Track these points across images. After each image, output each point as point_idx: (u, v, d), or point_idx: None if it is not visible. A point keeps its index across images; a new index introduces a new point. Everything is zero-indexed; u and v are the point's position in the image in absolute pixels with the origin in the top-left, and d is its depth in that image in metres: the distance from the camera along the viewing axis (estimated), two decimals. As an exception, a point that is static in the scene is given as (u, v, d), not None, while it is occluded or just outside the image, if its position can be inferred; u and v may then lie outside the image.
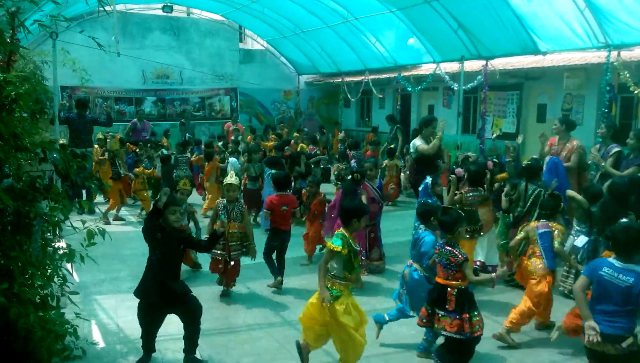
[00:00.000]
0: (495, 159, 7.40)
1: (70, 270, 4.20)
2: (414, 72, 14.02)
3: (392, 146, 11.87)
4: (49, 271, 3.96)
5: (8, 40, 4.06)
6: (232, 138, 12.97)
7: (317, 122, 19.17)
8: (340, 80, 16.66)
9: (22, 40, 12.02)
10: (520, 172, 6.50)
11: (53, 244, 4.14)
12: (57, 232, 4.08)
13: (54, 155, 4.02)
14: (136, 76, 16.58)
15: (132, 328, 4.86)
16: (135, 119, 13.72)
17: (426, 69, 13.51)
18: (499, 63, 11.30)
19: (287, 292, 5.90)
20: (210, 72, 17.47)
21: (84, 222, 4.35)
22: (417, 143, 7.64)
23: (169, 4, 15.85)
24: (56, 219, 4.06)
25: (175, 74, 17.08)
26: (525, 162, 6.51)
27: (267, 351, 4.46)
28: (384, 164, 10.90)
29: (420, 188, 6.18)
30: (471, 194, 5.77)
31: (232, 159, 10.21)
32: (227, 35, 17.94)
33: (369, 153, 12.09)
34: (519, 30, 9.89)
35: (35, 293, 3.58)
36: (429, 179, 6.07)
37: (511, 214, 6.19)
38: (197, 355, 4.25)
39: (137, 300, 5.45)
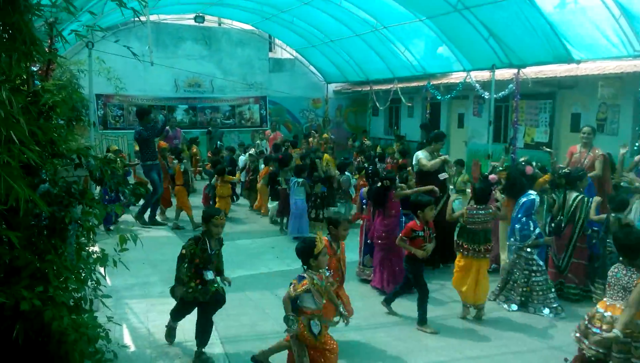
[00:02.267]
0: (534, 163, 7.31)
1: (103, 274, 4.29)
2: (444, 80, 13.92)
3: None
4: (83, 275, 4.04)
5: (46, 49, 4.19)
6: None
7: (345, 131, 19.20)
8: (368, 88, 16.65)
9: (60, 50, 12.41)
10: (556, 182, 6.37)
11: (87, 248, 4.23)
12: (91, 237, 4.17)
13: (90, 161, 4.12)
14: (169, 85, 16.90)
15: (162, 332, 4.94)
16: (167, 127, 13.95)
17: (456, 77, 13.40)
18: (531, 72, 11.12)
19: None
20: (240, 81, 17.69)
21: (117, 228, 4.46)
22: (420, 155, 7.31)
23: (200, 15, 16.14)
24: (90, 224, 4.16)
25: (207, 82, 17.35)
26: (564, 170, 6.40)
27: (294, 359, 4.46)
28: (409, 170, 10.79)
29: (522, 202, 5.82)
30: (475, 211, 5.51)
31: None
32: (257, 45, 18.16)
33: (388, 166, 11.64)
34: (551, 39, 9.72)
35: (69, 296, 3.66)
36: (535, 196, 5.81)
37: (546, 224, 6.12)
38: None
39: (167, 305, 5.54)
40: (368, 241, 6.67)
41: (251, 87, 17.98)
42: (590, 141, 7.54)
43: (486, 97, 11.71)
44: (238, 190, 12.09)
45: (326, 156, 11.49)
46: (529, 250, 5.63)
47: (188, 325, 5.10)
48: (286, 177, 9.15)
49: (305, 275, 3.99)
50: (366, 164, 10.54)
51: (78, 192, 4.03)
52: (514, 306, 5.68)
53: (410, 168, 9.18)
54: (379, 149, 14.83)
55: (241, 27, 17.60)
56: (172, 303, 5.66)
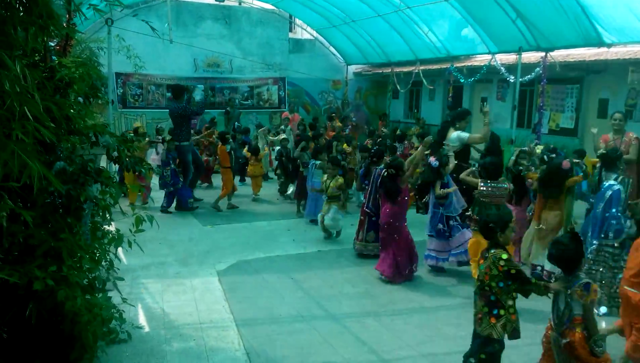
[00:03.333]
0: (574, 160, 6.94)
1: (119, 255, 4.24)
2: (467, 63, 13.56)
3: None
4: (97, 255, 4.00)
5: (64, 24, 4.10)
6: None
7: (365, 113, 18.95)
8: (389, 70, 16.35)
9: (79, 27, 12.34)
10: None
11: (102, 228, 4.18)
12: (107, 216, 4.11)
13: (107, 139, 4.05)
14: (188, 64, 16.80)
15: (177, 313, 4.90)
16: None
17: (480, 60, 13.05)
18: (559, 55, 10.76)
19: (333, 285, 5.80)
20: (259, 62, 17.51)
21: (133, 208, 4.40)
22: (463, 134, 7.14)
23: (221, -7, 15.97)
24: (106, 202, 4.11)
25: (226, 62, 17.20)
26: (600, 151, 6.14)
27: (310, 345, 4.38)
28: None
29: (609, 195, 5.21)
30: (488, 185, 5.32)
31: None
32: (277, 25, 17.91)
33: (406, 149, 11.39)
34: (582, 21, 9.36)
35: (83, 276, 3.61)
36: (618, 186, 5.23)
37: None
38: None
39: (182, 285, 5.50)
40: (373, 219, 6.64)
41: (270, 68, 17.78)
42: (622, 128, 7.34)
43: (511, 80, 11.39)
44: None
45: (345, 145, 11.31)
46: (616, 245, 5.17)
47: (202, 307, 5.06)
48: (303, 160, 9.03)
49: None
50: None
51: (94, 170, 3.96)
52: (604, 309, 5.15)
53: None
54: (398, 131, 14.58)
55: (261, 6, 17.36)
56: (186, 284, 5.65)
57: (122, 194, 5.85)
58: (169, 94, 16.65)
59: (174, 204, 9.12)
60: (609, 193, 5.15)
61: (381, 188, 6.22)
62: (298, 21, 18.44)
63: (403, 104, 18.51)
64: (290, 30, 18.65)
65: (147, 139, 10.31)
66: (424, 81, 14.59)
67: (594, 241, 5.19)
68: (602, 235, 5.17)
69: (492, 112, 14.62)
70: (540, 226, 5.90)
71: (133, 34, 12.03)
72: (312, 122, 13.82)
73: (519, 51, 10.61)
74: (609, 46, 9.56)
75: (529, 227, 6.30)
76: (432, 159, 6.12)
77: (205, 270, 6.15)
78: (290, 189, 10.18)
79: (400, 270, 5.85)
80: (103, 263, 4.09)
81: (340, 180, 7.55)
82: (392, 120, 17.78)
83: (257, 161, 10.22)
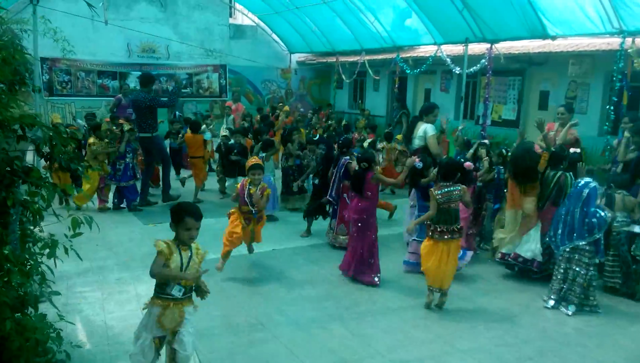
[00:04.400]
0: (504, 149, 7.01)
1: (53, 264, 3.69)
2: (413, 53, 13.51)
3: (390, 130, 11.46)
4: (28, 266, 3.44)
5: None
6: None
7: (309, 104, 18.61)
8: (334, 60, 16.07)
9: (1, 5, 11.16)
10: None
11: (33, 235, 3.62)
12: (37, 221, 3.55)
13: (36, 132, 3.47)
14: (121, 50, 15.80)
15: (121, 326, 4.40)
16: (120, 95, 13.04)
17: (425, 51, 13.01)
18: (503, 47, 10.85)
19: (292, 287, 5.45)
20: (198, 48, 16.75)
21: (68, 209, 3.84)
22: (430, 132, 7.16)
23: (156, -26, 15.07)
24: (37, 206, 3.55)
25: (162, 48, 16.32)
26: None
27: (274, 357, 4.00)
28: (382, 146, 10.44)
29: (587, 193, 5.04)
30: (443, 190, 5.03)
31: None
32: (217, 9, 17.18)
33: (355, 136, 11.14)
34: (528, 13, 9.44)
35: (12, 294, 3.07)
36: (594, 183, 5.08)
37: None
38: None
39: (126, 293, 4.98)
40: (335, 207, 6.75)
41: (210, 54, 17.06)
42: (566, 121, 7.41)
43: (457, 72, 11.40)
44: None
45: (302, 130, 10.98)
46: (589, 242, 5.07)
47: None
48: (307, 159, 8.59)
49: None
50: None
51: (21, 169, 3.40)
52: (572, 308, 5.02)
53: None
54: (344, 121, 14.36)
55: (199, -11, 16.60)
56: (130, 291, 5.13)
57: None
58: (100, 81, 15.64)
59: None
60: (586, 191, 5.03)
61: (347, 180, 5.95)
62: (239, 6, 17.78)
63: (347, 95, 18.32)
64: (231, 16, 17.97)
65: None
66: (369, 71, 14.43)
67: (567, 242, 5.11)
68: (580, 241, 5.04)
69: (437, 103, 14.76)
70: (519, 211, 5.84)
71: (61, 15, 11.08)
72: (266, 114, 13.36)
73: (466, 42, 10.63)
74: (553, 38, 9.71)
75: (498, 215, 6.31)
76: (416, 160, 5.88)
77: (151, 274, 5.62)
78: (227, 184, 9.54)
79: (364, 267, 5.60)
80: (35, 276, 3.54)
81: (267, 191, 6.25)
82: (337, 111, 17.55)
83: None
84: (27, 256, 3.49)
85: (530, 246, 5.73)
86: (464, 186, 5.16)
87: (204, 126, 10.20)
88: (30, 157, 6.35)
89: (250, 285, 5.47)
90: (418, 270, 5.52)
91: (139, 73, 15.98)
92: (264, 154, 8.08)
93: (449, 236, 4.94)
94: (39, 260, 3.59)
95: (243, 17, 18.17)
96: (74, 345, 3.87)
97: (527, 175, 5.71)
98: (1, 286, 3.04)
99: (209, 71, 17.23)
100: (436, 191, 5.01)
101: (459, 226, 5.03)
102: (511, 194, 5.94)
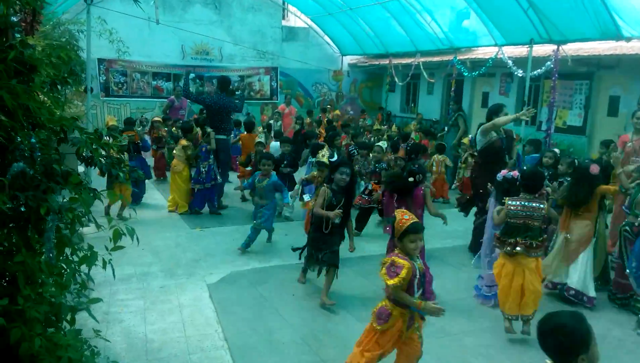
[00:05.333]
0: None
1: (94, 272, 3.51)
2: (471, 55, 12.93)
3: (442, 133, 10.98)
4: (65, 277, 3.26)
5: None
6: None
7: (359, 107, 18.24)
8: (387, 62, 15.64)
9: (59, 7, 11.34)
10: None
11: (71, 243, 3.44)
12: (77, 229, 3.37)
13: (76, 135, 3.30)
14: (175, 51, 15.93)
15: (162, 340, 4.19)
16: (172, 96, 13.11)
17: (484, 52, 12.41)
18: (570, 49, 10.15)
19: (340, 303, 5.11)
20: (251, 50, 16.70)
21: (109, 219, 3.63)
22: (485, 125, 6.30)
23: (211, -24, 15.12)
24: (76, 212, 3.37)
25: (215, 50, 16.36)
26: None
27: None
28: (433, 159, 9.93)
29: None
30: (520, 203, 4.55)
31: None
32: (270, 11, 17.09)
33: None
34: (600, 12, 8.74)
35: (44, 307, 2.88)
36: None
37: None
38: None
39: (168, 303, 4.79)
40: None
41: (262, 57, 16.98)
42: None
43: (519, 75, 10.76)
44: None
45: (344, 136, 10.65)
46: None
47: (192, 331, 4.36)
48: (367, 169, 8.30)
49: None
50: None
51: (61, 173, 3.22)
52: None
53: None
54: (394, 129, 13.84)
55: (253, -9, 16.57)
56: (173, 301, 4.93)
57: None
58: (154, 83, 15.81)
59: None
60: None
61: (396, 191, 5.57)
62: (292, 8, 17.63)
63: (400, 98, 17.83)
64: (284, 18, 17.85)
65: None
66: (424, 73, 13.92)
67: None
68: None
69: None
70: (567, 235, 5.29)
71: (117, 16, 11.19)
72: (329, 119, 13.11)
73: (530, 43, 9.99)
74: (628, 39, 8.96)
75: (555, 239, 5.69)
76: (513, 172, 5.30)
77: (195, 283, 5.42)
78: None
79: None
80: (72, 286, 3.36)
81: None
82: (388, 113, 17.10)
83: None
84: (63, 266, 3.31)
85: (580, 276, 5.12)
86: (547, 205, 4.67)
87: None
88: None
89: (296, 299, 5.17)
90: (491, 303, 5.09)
91: (192, 75, 16.21)
92: (313, 160, 7.79)
93: (525, 251, 4.44)
94: (77, 268, 3.41)
95: (295, 19, 18.02)
96: (110, 361, 3.67)
97: (581, 201, 5.15)
98: (32, 301, 2.85)
99: (261, 74, 17.16)
100: (511, 202, 4.56)
101: (540, 240, 4.52)
102: (564, 215, 5.38)
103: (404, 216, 3.42)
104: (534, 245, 4.46)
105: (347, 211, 5.12)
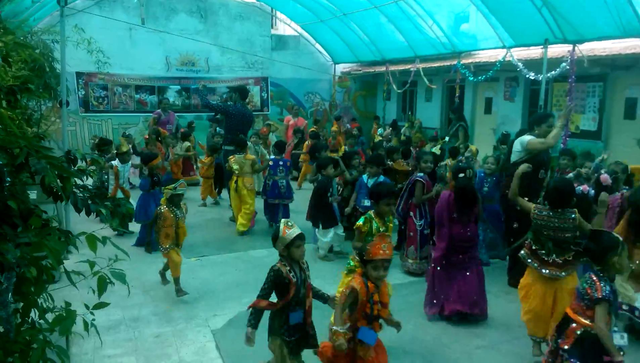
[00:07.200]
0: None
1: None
2: (474, 59, 12.22)
3: (455, 145, 10.27)
4: (31, 353, 2.39)
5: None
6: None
7: (354, 116, 17.50)
8: (384, 69, 14.92)
9: (34, 15, 10.32)
10: None
11: (39, 304, 2.58)
12: (45, 286, 2.51)
13: (40, 162, 2.44)
14: (159, 63, 15.05)
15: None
16: (159, 110, 12.25)
17: (489, 55, 11.72)
18: (584, 49, 9.51)
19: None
20: (239, 60, 15.89)
21: (91, 265, 2.74)
22: (527, 138, 5.72)
23: (196, -16, 14.31)
24: (45, 264, 2.51)
25: (202, 61, 15.52)
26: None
27: None
28: (446, 163, 9.19)
29: None
30: (545, 213, 4.05)
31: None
32: (258, 20, 16.30)
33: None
34: (622, 7, 8.09)
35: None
36: None
37: None
38: None
39: (166, 358, 3.92)
40: (425, 232, 6.10)
41: (251, 67, 16.19)
42: None
43: (531, 78, 10.09)
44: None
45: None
46: None
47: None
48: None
49: None
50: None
51: (20, 212, 2.37)
52: None
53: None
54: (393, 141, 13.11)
55: (241, -1, 15.80)
56: (172, 355, 4.05)
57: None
58: (137, 96, 14.90)
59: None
60: None
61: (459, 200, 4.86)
62: (281, 15, 16.88)
63: (396, 106, 17.12)
64: (272, 26, 17.08)
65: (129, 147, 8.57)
66: (424, 79, 13.22)
67: None
68: None
69: (499, 113, 13.44)
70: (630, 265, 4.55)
71: (96, 27, 10.40)
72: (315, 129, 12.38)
73: (545, 44, 9.31)
74: (652, 37, 8.33)
75: None
76: (582, 187, 4.67)
77: (196, 329, 4.54)
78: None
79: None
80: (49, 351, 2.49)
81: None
82: (385, 123, 16.37)
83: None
84: (27, 338, 2.44)
85: None
86: (578, 216, 3.98)
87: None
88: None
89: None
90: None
91: (178, 87, 15.34)
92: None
93: (555, 271, 3.90)
94: (47, 339, 2.54)
95: (285, 27, 17.27)
96: None
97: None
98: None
99: (250, 84, 16.33)
100: (537, 211, 4.06)
101: (570, 255, 3.93)
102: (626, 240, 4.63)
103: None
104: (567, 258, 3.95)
105: None
